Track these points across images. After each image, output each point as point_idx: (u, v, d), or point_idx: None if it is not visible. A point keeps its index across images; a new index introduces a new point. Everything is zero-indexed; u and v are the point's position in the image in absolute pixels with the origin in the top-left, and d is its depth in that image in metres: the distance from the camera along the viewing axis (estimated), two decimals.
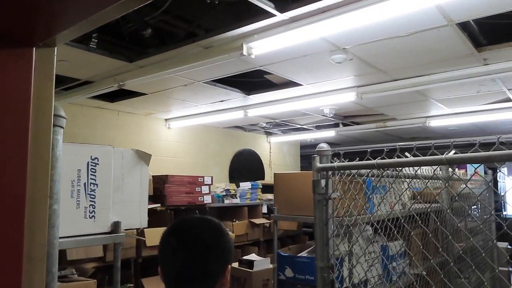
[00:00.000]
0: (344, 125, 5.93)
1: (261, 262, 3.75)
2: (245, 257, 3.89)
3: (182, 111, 4.96)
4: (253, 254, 4.16)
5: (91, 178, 1.85)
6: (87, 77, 3.52)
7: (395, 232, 1.79)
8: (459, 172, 3.89)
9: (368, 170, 1.70)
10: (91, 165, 1.86)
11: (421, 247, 1.92)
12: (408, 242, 2.43)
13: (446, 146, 1.49)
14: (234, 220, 4.98)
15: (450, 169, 2.49)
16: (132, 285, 3.46)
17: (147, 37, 2.70)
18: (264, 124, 6.11)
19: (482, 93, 4.06)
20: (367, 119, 5.60)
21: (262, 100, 4.36)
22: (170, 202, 4.06)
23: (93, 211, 1.86)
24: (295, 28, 2.33)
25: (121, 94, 4.22)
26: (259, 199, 5.45)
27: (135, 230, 3.31)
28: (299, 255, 2.85)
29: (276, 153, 7.29)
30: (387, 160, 1.48)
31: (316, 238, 1.71)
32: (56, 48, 0.87)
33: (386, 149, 1.63)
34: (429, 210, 2.14)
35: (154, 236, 3.57)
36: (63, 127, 1.20)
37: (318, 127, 6.29)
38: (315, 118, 5.45)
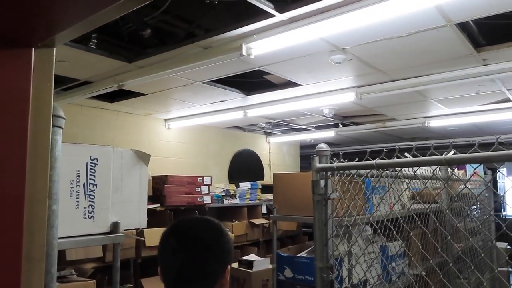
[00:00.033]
0: (344, 125, 5.93)
1: (260, 263, 3.75)
2: (244, 258, 3.89)
3: (181, 111, 4.96)
4: (253, 255, 4.16)
5: (90, 179, 1.85)
6: (87, 77, 3.52)
7: (395, 232, 1.79)
8: (458, 172, 3.89)
9: (368, 171, 1.70)
10: (90, 165, 1.86)
11: (421, 247, 1.93)
12: (407, 243, 2.43)
13: (446, 146, 1.49)
14: (234, 220, 4.98)
15: (449, 170, 2.49)
16: (132, 285, 3.46)
17: (147, 37, 2.70)
18: (264, 124, 6.11)
19: (481, 93, 4.06)
20: (367, 119, 5.60)
21: (261, 100, 4.36)
22: (169, 203, 4.05)
23: (92, 211, 1.86)
24: (294, 29, 2.33)
25: (120, 95, 4.21)
26: (258, 199, 5.45)
27: (134, 230, 3.31)
28: (298, 255, 2.85)
29: (275, 153, 7.29)
30: (386, 161, 1.48)
31: (315, 238, 1.71)
32: (55, 48, 0.87)
33: (386, 149, 1.63)
34: (428, 210, 2.14)
35: (153, 237, 3.56)
36: (62, 128, 1.20)
37: (318, 127, 6.29)
38: (315, 118, 5.46)
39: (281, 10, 2.21)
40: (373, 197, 2.13)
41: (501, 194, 6.35)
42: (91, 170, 1.86)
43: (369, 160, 1.51)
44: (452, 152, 1.36)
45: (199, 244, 1.04)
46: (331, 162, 1.71)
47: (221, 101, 4.45)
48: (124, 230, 2.01)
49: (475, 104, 4.58)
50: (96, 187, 1.88)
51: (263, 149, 7.05)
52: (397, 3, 2.01)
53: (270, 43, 2.52)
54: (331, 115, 4.88)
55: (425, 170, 2.10)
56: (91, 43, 2.78)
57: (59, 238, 1.27)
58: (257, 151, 6.88)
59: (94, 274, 3.10)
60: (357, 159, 1.60)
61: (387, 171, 1.82)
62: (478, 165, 1.34)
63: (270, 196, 5.19)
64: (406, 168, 1.86)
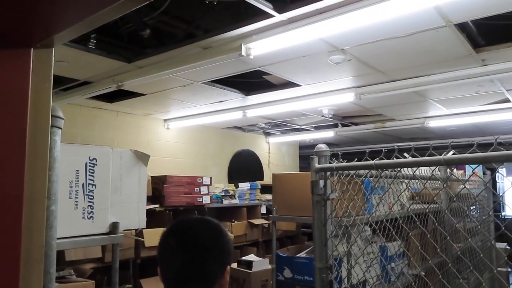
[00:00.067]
0: (343, 125, 5.94)
1: (260, 263, 3.75)
2: (244, 258, 3.89)
3: (181, 111, 4.96)
4: (252, 255, 4.16)
5: (89, 179, 1.85)
6: (86, 78, 3.52)
7: (394, 232, 1.79)
8: (457, 172, 3.89)
9: (367, 171, 1.70)
10: (89, 165, 1.86)
11: (420, 247, 1.93)
12: (406, 243, 2.43)
13: (445, 146, 1.49)
14: (233, 220, 4.98)
15: (448, 170, 2.49)
16: (131, 285, 3.46)
17: (146, 37, 2.70)
18: (263, 125, 6.11)
19: (480, 93, 4.07)
20: (366, 119, 5.61)
21: (261, 100, 4.36)
22: (169, 203, 4.05)
23: (91, 211, 1.86)
24: (293, 29, 2.33)
25: (120, 95, 4.21)
26: (258, 199, 5.45)
27: (133, 230, 3.30)
28: (297, 255, 2.85)
29: (275, 154, 7.29)
30: (385, 161, 1.48)
31: (314, 238, 1.71)
32: (54, 49, 0.87)
33: (385, 149, 1.63)
34: (427, 210, 2.14)
35: (152, 237, 3.56)
36: (61, 128, 1.20)
37: (317, 128, 6.30)
38: (314, 118, 5.46)
39: (280, 10, 2.21)
40: (372, 197, 2.13)
41: (500, 194, 6.35)
42: (90, 171, 1.86)
43: (368, 160, 1.51)
44: (451, 152, 1.37)
45: (199, 244, 1.04)
46: (330, 163, 1.71)
47: (220, 101, 4.45)
48: (123, 230, 2.01)
49: (474, 105, 4.58)
50: (95, 188, 1.87)
51: (262, 149, 7.05)
52: (396, 3, 2.01)
53: (269, 44, 2.52)
54: (330, 116, 4.88)
55: (424, 171, 2.10)
56: (90, 43, 2.78)
57: (58, 238, 1.27)
58: (256, 151, 6.89)
59: (94, 275, 3.10)
60: (356, 159, 1.61)
61: (386, 172, 1.82)
62: (477, 165, 1.34)
63: (269, 196, 5.19)
64: (405, 169, 1.86)
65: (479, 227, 3.03)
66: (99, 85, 3.53)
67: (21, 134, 0.80)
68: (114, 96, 4.29)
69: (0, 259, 0.75)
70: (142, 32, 2.63)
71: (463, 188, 1.38)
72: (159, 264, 1.07)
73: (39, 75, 0.83)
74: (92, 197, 1.86)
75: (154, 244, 3.57)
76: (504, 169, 7.96)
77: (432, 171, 1.84)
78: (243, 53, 2.52)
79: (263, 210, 5.43)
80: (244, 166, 6.57)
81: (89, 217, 1.85)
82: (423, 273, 1.96)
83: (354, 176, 1.75)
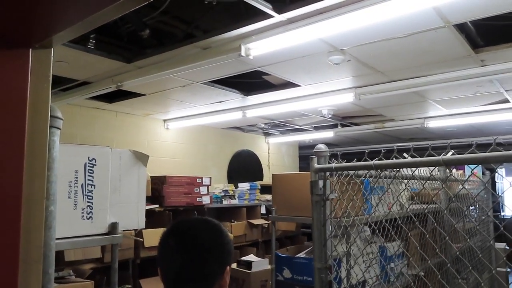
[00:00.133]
0: (343, 125, 5.94)
1: (259, 263, 3.75)
2: (243, 258, 3.89)
3: (180, 111, 4.96)
4: (252, 255, 4.16)
5: (88, 179, 1.85)
6: (85, 78, 3.52)
7: (393, 233, 1.79)
8: (457, 173, 3.89)
9: (366, 171, 1.70)
10: (89, 166, 1.86)
11: (419, 248, 1.93)
12: (406, 243, 2.43)
13: (444, 147, 1.49)
14: (233, 220, 4.98)
15: (447, 170, 2.49)
16: (130, 286, 3.45)
17: (145, 37, 2.70)
18: (263, 125, 6.12)
19: (479, 94, 4.07)
20: (365, 120, 5.61)
21: (260, 101, 4.36)
22: (168, 203, 4.05)
23: (91, 212, 1.86)
24: (293, 29, 2.33)
25: (119, 95, 4.21)
26: (257, 199, 5.45)
27: (133, 231, 3.30)
28: (297, 256, 2.85)
29: (274, 154, 7.29)
30: (385, 161, 1.48)
31: (314, 239, 1.71)
32: (53, 49, 0.87)
33: (384, 150, 1.63)
34: (426, 211, 2.14)
35: (152, 237, 3.56)
36: (60, 128, 1.20)
37: (317, 128, 6.30)
38: (314, 119, 5.46)
39: (279, 11, 2.21)
40: (372, 197, 2.13)
41: (499, 195, 6.36)
42: (89, 171, 1.86)
43: (368, 160, 1.51)
44: (450, 153, 1.37)
45: (199, 244, 1.04)
46: (329, 163, 1.71)
47: (220, 102, 4.45)
48: (123, 230, 2.01)
49: (474, 105, 4.59)
50: (94, 188, 1.87)
51: (262, 150, 7.05)
52: (395, 4, 2.02)
53: (268, 44, 2.52)
54: (330, 116, 4.88)
55: (423, 171, 2.10)
56: (89, 44, 2.78)
57: (57, 239, 1.27)
58: (256, 152, 6.89)
59: (93, 275, 3.10)
60: (355, 159, 1.61)
61: (385, 172, 1.82)
62: (476, 166, 1.35)
63: (269, 197, 5.19)
64: (404, 169, 1.86)
65: (478, 227, 3.03)
66: (99, 85, 3.53)
67: (20, 135, 0.80)
68: (114, 97, 4.29)
69: None
70: (142, 32, 2.63)
71: (462, 188, 1.38)
72: (159, 264, 1.07)
73: (38, 75, 0.83)
74: (91, 198, 1.86)
75: (153, 244, 3.57)
76: (503, 170, 7.96)
77: (431, 172, 1.84)
78: (243, 53, 2.52)
79: (263, 210, 5.43)
80: (244, 167, 6.57)
81: (88, 217, 1.85)
82: (423, 273, 1.96)
83: (354, 176, 1.76)
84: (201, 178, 4.42)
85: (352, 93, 3.84)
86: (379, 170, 1.66)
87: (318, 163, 1.72)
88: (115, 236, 1.93)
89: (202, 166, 5.84)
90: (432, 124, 5.32)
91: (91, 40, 2.76)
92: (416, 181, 2.15)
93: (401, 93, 3.79)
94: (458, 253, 1.86)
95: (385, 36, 2.60)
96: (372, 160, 1.49)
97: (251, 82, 3.87)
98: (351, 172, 1.72)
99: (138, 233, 3.46)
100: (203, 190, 4.40)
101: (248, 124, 6.07)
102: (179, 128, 5.57)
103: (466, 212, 2.90)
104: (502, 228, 1.27)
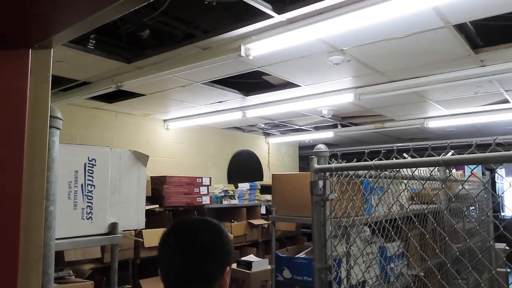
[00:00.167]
0: (343, 126, 5.94)
1: (259, 263, 3.75)
2: (243, 258, 3.89)
3: (180, 112, 4.96)
4: (252, 255, 4.16)
5: (88, 179, 1.85)
6: (85, 78, 3.52)
7: (393, 233, 1.79)
8: (457, 173, 3.89)
9: (366, 171, 1.70)
10: (88, 166, 1.86)
11: (419, 248, 1.93)
12: (406, 243, 2.43)
13: (444, 147, 1.49)
14: (233, 221, 4.98)
15: (447, 170, 2.49)
16: (130, 286, 3.46)
17: (145, 38, 2.70)
18: (263, 125, 6.12)
19: (479, 94, 4.07)
20: (365, 120, 5.61)
21: (260, 101, 4.36)
22: (168, 203, 4.05)
23: (90, 212, 1.86)
24: (292, 30, 2.33)
25: (119, 95, 4.21)
26: (257, 200, 5.45)
27: (133, 231, 3.30)
28: (297, 256, 2.85)
29: (274, 154, 7.29)
30: (384, 161, 1.48)
31: (314, 239, 1.71)
32: (52, 49, 0.87)
33: (384, 150, 1.63)
34: (426, 211, 2.14)
35: (152, 237, 3.56)
36: (59, 129, 1.20)
37: (317, 128, 6.30)
38: (314, 119, 5.46)
39: (279, 11, 2.21)
40: (372, 198, 2.13)
41: (499, 195, 6.35)
42: (89, 171, 1.86)
43: (368, 161, 1.51)
44: (450, 153, 1.37)
45: (199, 244, 1.04)
46: (329, 163, 1.71)
47: (219, 102, 4.45)
48: (123, 231, 2.01)
49: (473, 105, 4.59)
50: (94, 188, 1.87)
51: (262, 150, 7.05)
52: (395, 4, 2.02)
53: (268, 44, 2.52)
54: (329, 116, 4.88)
55: (423, 171, 2.10)
56: (89, 44, 2.78)
57: (57, 239, 1.27)
58: (256, 152, 6.89)
59: (93, 275, 3.10)
60: (355, 160, 1.61)
61: (385, 172, 1.82)
62: (475, 166, 1.35)
63: (269, 197, 5.19)
64: (404, 169, 1.86)
65: (477, 227, 3.03)
66: (99, 85, 3.53)
67: (20, 135, 0.80)
68: (114, 97, 4.29)
69: None
70: (142, 33, 2.63)
71: (462, 189, 1.38)
72: (159, 264, 1.07)
73: (37, 75, 0.83)
74: (91, 198, 1.86)
75: (153, 244, 3.57)
76: (503, 170, 7.96)
77: (431, 172, 1.84)
78: (243, 53, 2.52)
79: (263, 210, 5.43)
80: (244, 167, 6.57)
81: (88, 217, 1.85)
82: (422, 274, 1.96)
83: (353, 176, 1.76)
84: (201, 178, 4.42)
85: (352, 93, 3.84)
86: (379, 170, 1.66)
87: (318, 163, 1.72)
88: (115, 236, 1.93)
89: (202, 166, 5.85)
90: (432, 124, 5.32)
91: (91, 40, 2.76)
92: (416, 181, 2.15)
93: (401, 93, 3.79)
94: (458, 253, 1.86)
95: (385, 36, 2.60)
96: (372, 160, 1.49)
97: (251, 82, 3.87)
98: (351, 172, 1.72)
99: (138, 233, 3.46)
100: (203, 190, 4.40)
101: (248, 124, 6.07)
102: (179, 128, 5.57)
103: (466, 213, 2.90)
104: (502, 229, 1.27)
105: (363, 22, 2.20)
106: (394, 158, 1.51)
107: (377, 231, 1.79)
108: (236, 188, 5.32)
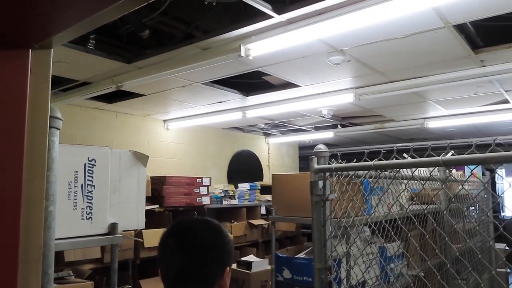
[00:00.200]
0: (343, 126, 5.94)
1: (259, 263, 3.75)
2: (243, 258, 3.89)
3: (180, 112, 4.97)
4: (252, 255, 4.16)
5: (88, 180, 1.85)
6: (85, 78, 3.52)
7: (393, 233, 1.79)
8: (457, 173, 3.89)
9: (366, 172, 1.70)
10: (88, 166, 1.86)
11: (419, 248, 1.93)
12: (405, 244, 2.43)
13: (443, 147, 1.49)
14: (233, 221, 4.98)
15: (447, 171, 2.49)
16: (130, 286, 3.46)
17: (145, 38, 2.70)
18: (263, 125, 6.12)
19: (479, 94, 4.07)
20: (365, 120, 5.61)
21: (260, 101, 4.36)
22: (168, 203, 4.05)
23: (90, 212, 1.86)
24: (292, 30, 2.33)
25: (119, 95, 4.21)
26: (257, 200, 5.45)
27: (133, 231, 3.30)
28: (297, 256, 2.85)
29: (274, 154, 7.29)
30: (384, 162, 1.48)
31: (313, 239, 1.71)
32: (52, 50, 0.87)
33: (384, 150, 1.63)
34: (426, 211, 2.14)
35: (152, 237, 3.56)
36: (59, 129, 1.20)
37: (317, 128, 6.30)
38: (314, 119, 5.46)
39: (279, 11, 2.21)
40: (372, 198, 2.13)
41: (499, 195, 6.35)
42: (89, 171, 1.86)
43: (367, 161, 1.51)
44: (450, 153, 1.37)
45: (199, 244, 1.04)
46: (329, 163, 1.71)
47: (220, 102, 4.45)
48: (122, 231, 2.01)
49: (473, 105, 4.59)
50: (94, 188, 1.87)
51: (262, 150, 7.05)
52: (395, 4, 2.02)
53: (268, 44, 2.52)
54: (329, 116, 4.88)
55: (423, 171, 2.10)
56: (89, 44, 2.78)
57: (56, 239, 1.27)
58: (256, 152, 6.89)
59: (93, 275, 3.10)
60: (355, 160, 1.61)
61: (385, 172, 1.82)
62: (475, 166, 1.35)
63: (269, 197, 5.19)
64: (404, 169, 1.86)
65: (477, 228, 3.03)
66: (99, 85, 3.54)
67: (19, 135, 0.80)
68: (114, 97, 4.29)
69: None
70: (142, 33, 2.64)
71: (461, 189, 1.38)
72: (159, 264, 1.07)
73: (37, 76, 0.83)
74: (91, 198, 1.86)
75: (153, 244, 3.57)
76: (503, 170, 7.96)
77: (431, 172, 1.84)
78: (243, 53, 2.52)
79: (263, 210, 5.43)
80: (244, 167, 6.57)
81: (88, 217, 1.85)
82: (422, 274, 1.96)
83: (353, 176, 1.76)
84: (201, 178, 4.42)
85: (352, 94, 3.84)
86: (379, 171, 1.66)
87: (318, 164, 1.72)
88: (115, 237, 1.93)
89: (202, 167, 5.84)
90: (432, 124, 5.32)
91: (91, 41, 2.76)
92: (416, 181, 2.15)
93: (401, 94, 3.79)
94: (458, 253, 1.86)
95: (385, 37, 2.60)
96: (372, 161, 1.49)
97: (251, 82, 3.87)
98: (351, 173, 1.72)
99: (138, 234, 3.46)
100: (203, 190, 4.40)
101: (248, 125, 6.07)
102: (179, 128, 5.57)
103: (466, 213, 2.90)
104: (501, 229, 1.27)
105: (363, 22, 2.20)
106: (394, 158, 1.51)
107: (377, 231, 1.79)
108: (236, 188, 5.32)
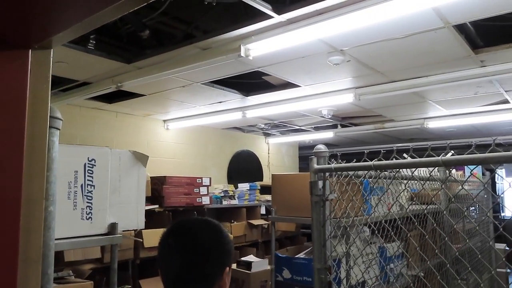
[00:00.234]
0: (343, 126, 5.94)
1: (259, 264, 3.75)
2: (243, 258, 3.89)
3: (180, 112, 4.97)
4: (251, 255, 4.16)
5: (88, 180, 1.85)
6: (85, 78, 3.52)
7: (393, 233, 1.79)
8: (457, 173, 3.89)
9: (366, 172, 1.70)
10: (88, 166, 1.86)
11: (418, 248, 1.93)
12: (405, 244, 2.43)
13: (443, 147, 1.49)
14: (232, 221, 4.98)
15: (446, 171, 2.49)
16: (130, 286, 3.46)
17: (145, 38, 2.70)
18: (263, 125, 6.12)
19: (479, 94, 4.08)
20: (365, 120, 5.61)
21: (260, 101, 4.37)
22: (168, 203, 4.05)
23: (90, 212, 1.86)
24: (292, 30, 2.33)
25: (119, 95, 4.21)
26: (257, 200, 5.45)
27: (133, 231, 3.30)
28: (296, 256, 2.85)
29: (274, 154, 7.29)
30: (384, 162, 1.48)
31: (313, 239, 1.71)
32: (52, 50, 0.87)
33: (383, 150, 1.63)
34: (426, 211, 2.14)
35: (152, 237, 3.56)
36: (59, 129, 1.20)
37: (317, 128, 6.30)
38: (313, 119, 5.46)
39: (279, 11, 2.21)
40: (371, 198, 2.13)
41: (499, 195, 6.35)
42: (89, 171, 1.86)
43: (367, 161, 1.52)
44: (450, 153, 1.37)
45: (199, 245, 1.04)
46: (329, 163, 1.71)
47: (219, 102, 4.45)
48: (122, 231, 2.01)
49: (473, 106, 4.59)
50: (94, 188, 1.87)
51: (262, 150, 7.05)
52: (395, 4, 2.02)
53: (268, 44, 2.52)
54: (329, 116, 4.88)
55: (423, 171, 2.10)
56: (89, 44, 2.78)
57: (56, 239, 1.27)
58: (256, 152, 6.89)
59: (92, 275, 3.10)
60: (355, 160, 1.61)
61: (385, 172, 1.82)
62: (475, 166, 1.35)
63: (269, 197, 5.19)
64: (404, 169, 1.87)
65: (477, 228, 3.03)
66: (99, 85, 3.54)
67: (19, 135, 0.80)
68: (114, 97, 4.29)
69: None
70: (141, 33, 2.64)
71: (461, 189, 1.38)
72: (159, 264, 1.07)
73: (37, 76, 0.83)
74: (90, 198, 1.86)
75: (153, 244, 3.57)
76: (503, 170, 7.96)
77: (431, 172, 1.84)
78: (242, 54, 2.52)
79: (263, 210, 5.43)
80: (244, 167, 6.57)
81: (87, 217, 1.85)
82: (422, 274, 1.96)
83: (353, 177, 1.76)
84: (201, 178, 4.42)
85: (352, 94, 3.84)
86: (378, 171, 1.66)
87: (317, 164, 1.72)
88: (115, 237, 1.93)
89: (202, 167, 5.85)
90: (432, 124, 5.32)
91: (91, 41, 2.76)
92: (415, 181, 2.15)
93: (401, 94, 3.79)
94: (457, 253, 1.86)
95: (385, 37, 2.60)
96: (371, 161, 1.49)
97: (251, 82, 3.87)
98: (351, 173, 1.72)
99: (138, 234, 3.46)
100: (203, 190, 4.40)
101: (248, 125, 6.07)
102: (179, 128, 5.57)
103: (465, 213, 2.90)
104: (501, 229, 1.27)
105: (363, 23, 2.20)
106: (393, 159, 1.51)
107: (376, 232, 1.79)
108: (236, 189, 5.32)
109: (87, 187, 1.85)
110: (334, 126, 6.02)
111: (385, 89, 3.70)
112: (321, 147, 1.77)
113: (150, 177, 4.07)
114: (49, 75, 0.87)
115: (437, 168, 2.31)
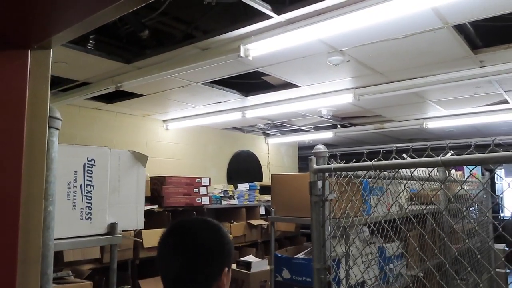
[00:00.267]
0: (342, 126, 5.94)
1: (258, 264, 3.75)
2: (242, 259, 3.89)
3: (180, 112, 4.96)
4: (251, 256, 4.16)
5: (87, 180, 1.85)
6: (85, 78, 3.52)
7: (392, 233, 1.80)
8: (456, 173, 3.90)
9: (365, 172, 1.71)
10: (88, 166, 1.86)
11: (418, 248, 1.93)
12: (405, 244, 2.43)
13: (443, 147, 1.50)
14: (232, 221, 4.98)
15: (446, 171, 2.49)
16: (129, 286, 3.45)
17: (145, 38, 2.70)
18: (262, 126, 6.12)
19: (478, 95, 4.08)
20: (365, 120, 5.61)
21: (259, 101, 4.37)
22: (167, 203, 4.05)
23: (89, 212, 1.86)
24: (292, 30, 2.34)
25: (118, 96, 4.21)
26: (257, 200, 5.45)
27: (132, 231, 3.30)
28: (296, 256, 2.85)
29: (274, 154, 7.29)
30: (383, 162, 1.48)
31: (313, 239, 1.71)
32: (51, 50, 0.87)
33: (383, 150, 1.63)
34: (425, 212, 2.14)
35: (151, 238, 3.56)
36: (58, 129, 1.20)
37: (316, 129, 6.30)
38: (313, 119, 5.46)
39: (278, 11, 2.21)
40: (371, 198, 2.13)
41: (498, 195, 6.36)
42: (88, 171, 1.86)
43: (367, 161, 1.52)
44: (449, 153, 1.37)
45: (199, 245, 1.04)
46: (328, 164, 1.71)
47: (219, 102, 4.45)
48: (122, 231, 2.01)
49: (473, 106, 4.59)
50: (93, 188, 1.87)
51: (261, 150, 7.05)
52: (394, 5, 2.02)
53: (268, 45, 2.52)
54: (329, 116, 4.88)
55: (422, 172, 2.10)
56: (89, 44, 2.78)
57: (56, 239, 1.27)
58: (255, 152, 6.89)
59: (92, 275, 3.10)
60: (354, 160, 1.61)
61: (384, 172, 1.82)
62: (474, 166, 1.35)
63: (268, 197, 5.19)
64: (403, 170, 1.87)
65: (476, 228, 3.03)
66: (98, 86, 3.53)
67: (19, 135, 0.80)
68: (113, 97, 4.29)
69: None
70: (141, 33, 2.64)
71: (460, 189, 1.39)
72: (158, 264, 1.07)
73: (36, 76, 0.83)
74: (90, 198, 1.86)
75: (153, 244, 3.57)
76: (502, 170, 7.97)
77: (430, 172, 1.84)
78: (242, 54, 2.52)
79: (262, 211, 5.43)
80: (243, 167, 6.57)
81: (87, 217, 1.85)
82: (422, 274, 1.96)
83: (353, 177, 1.76)
84: (201, 178, 4.42)
85: (352, 94, 3.84)
86: (378, 171, 1.66)
87: (317, 164, 1.73)
88: (114, 237, 1.93)
89: (201, 167, 5.84)
90: (432, 124, 5.32)
91: (90, 41, 2.76)
92: (415, 182, 2.15)
93: (401, 94, 3.79)
94: (457, 254, 1.87)
95: (384, 37, 2.60)
96: (371, 161, 1.49)
97: (251, 82, 3.87)
98: (350, 173, 1.72)
99: (137, 234, 3.46)
100: (203, 190, 4.40)
101: (248, 125, 6.07)
102: (178, 128, 5.57)
103: (465, 213, 2.90)
104: (500, 229, 1.27)
105: (362, 23, 2.20)
106: (393, 159, 1.51)
107: (376, 232, 1.79)
108: (235, 189, 5.32)
109: (87, 187, 1.85)
110: (334, 126, 6.02)
111: (385, 89, 3.71)
112: (321, 147, 1.77)
113: (150, 177, 4.07)
114: (48, 75, 0.87)
115: (436, 168, 2.31)
